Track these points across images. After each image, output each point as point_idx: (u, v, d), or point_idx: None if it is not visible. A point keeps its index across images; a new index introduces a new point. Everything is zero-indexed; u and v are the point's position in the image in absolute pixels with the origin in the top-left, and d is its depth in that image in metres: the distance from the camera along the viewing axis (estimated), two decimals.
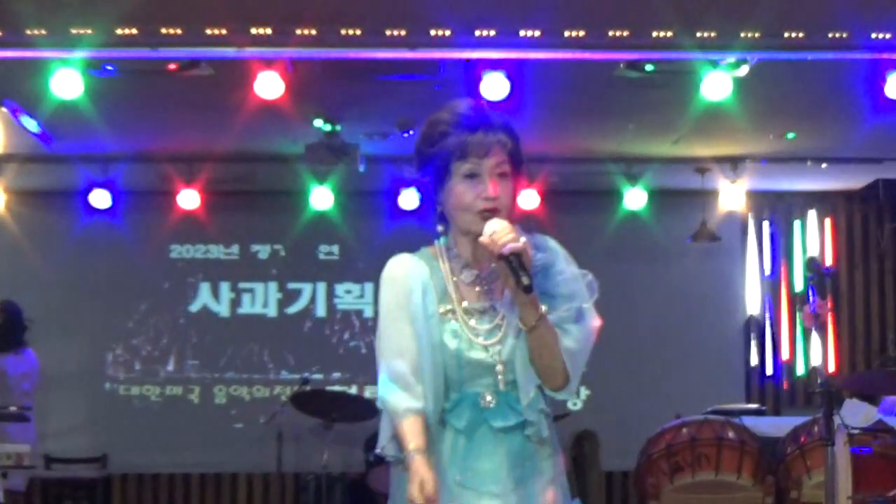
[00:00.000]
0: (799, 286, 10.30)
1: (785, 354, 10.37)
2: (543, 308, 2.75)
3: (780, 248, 10.46)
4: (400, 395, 2.76)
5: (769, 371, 10.34)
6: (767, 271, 10.38)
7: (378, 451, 2.86)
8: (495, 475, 2.76)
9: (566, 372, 2.78)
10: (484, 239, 2.71)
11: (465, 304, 2.82)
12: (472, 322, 2.81)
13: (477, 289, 2.84)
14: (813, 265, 5.88)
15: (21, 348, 8.49)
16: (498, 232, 2.68)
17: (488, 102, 6.47)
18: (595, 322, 2.83)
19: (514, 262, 2.66)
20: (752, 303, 10.37)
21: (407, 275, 2.83)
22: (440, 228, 2.86)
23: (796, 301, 10.31)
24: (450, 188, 2.80)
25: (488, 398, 2.79)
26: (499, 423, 2.78)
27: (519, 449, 2.78)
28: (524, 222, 2.87)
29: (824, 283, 10.12)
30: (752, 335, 10.37)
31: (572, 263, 2.86)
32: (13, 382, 8.32)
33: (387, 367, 2.79)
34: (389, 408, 2.77)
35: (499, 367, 2.79)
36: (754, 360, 10.35)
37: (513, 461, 2.77)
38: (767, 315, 10.35)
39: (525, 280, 2.65)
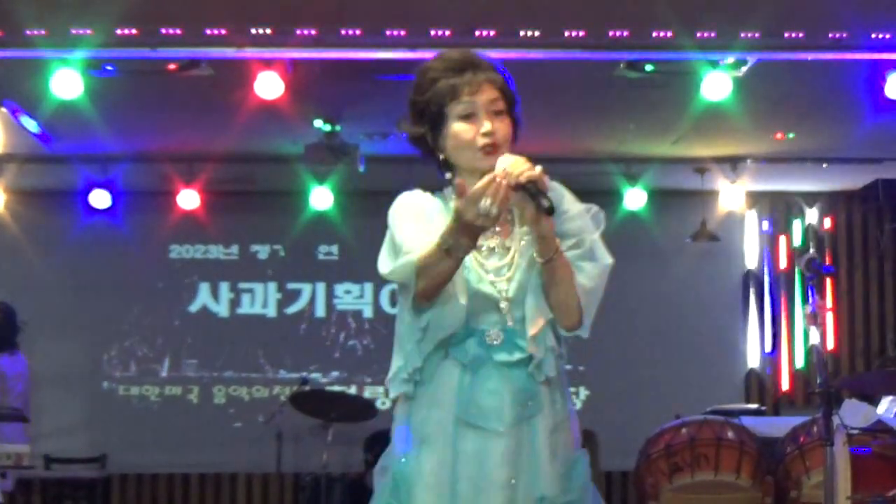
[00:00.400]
0: (798, 286, 10.30)
1: (784, 353, 10.37)
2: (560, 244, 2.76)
3: (780, 248, 10.45)
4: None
5: (769, 371, 10.34)
6: (767, 271, 10.38)
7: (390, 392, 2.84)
8: (499, 412, 2.75)
9: (580, 309, 2.79)
10: (499, 173, 2.69)
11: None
12: (481, 259, 2.82)
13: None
14: (812, 265, 5.85)
15: (15, 350, 8.49)
16: (513, 164, 2.69)
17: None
18: (607, 259, 2.87)
19: (533, 189, 2.66)
20: (752, 303, 10.37)
21: (423, 201, 2.87)
22: (448, 176, 2.87)
23: (795, 300, 10.31)
24: (447, 131, 2.83)
25: (493, 335, 2.78)
26: (502, 356, 2.77)
27: (523, 386, 2.77)
28: None
29: (824, 283, 10.15)
30: (752, 335, 10.36)
31: (576, 202, 2.90)
32: (11, 384, 8.32)
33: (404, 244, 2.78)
34: (400, 265, 2.73)
35: (503, 304, 2.79)
36: (754, 361, 10.35)
37: (516, 398, 2.76)
38: (767, 315, 10.34)
39: (546, 202, 2.65)
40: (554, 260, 2.75)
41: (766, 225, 10.41)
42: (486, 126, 2.78)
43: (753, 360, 10.35)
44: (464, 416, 2.75)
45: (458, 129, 2.81)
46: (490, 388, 2.76)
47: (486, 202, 2.60)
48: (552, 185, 2.82)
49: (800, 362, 10.34)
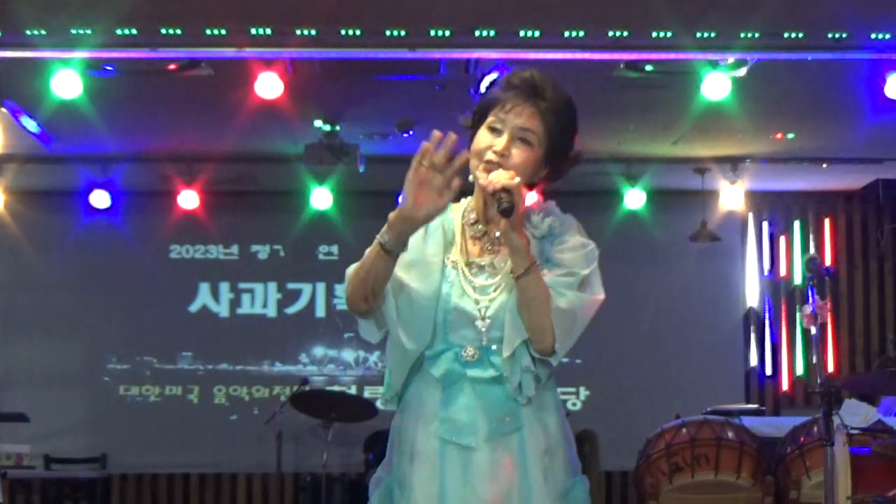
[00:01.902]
0: (798, 286, 10.30)
1: (784, 354, 10.37)
2: (537, 262, 2.74)
3: (780, 249, 10.46)
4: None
5: (769, 371, 10.35)
6: (767, 271, 10.39)
7: (383, 406, 2.89)
8: (473, 427, 2.75)
9: (553, 334, 2.74)
10: (483, 181, 2.71)
11: (468, 257, 2.83)
12: (470, 275, 2.81)
13: (481, 244, 2.85)
14: (812, 265, 5.85)
15: None
16: (497, 173, 2.70)
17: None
18: (596, 295, 2.80)
19: (502, 194, 2.66)
20: (752, 303, 10.37)
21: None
22: (471, 178, 2.83)
23: (796, 301, 10.31)
24: (475, 134, 2.81)
25: (470, 352, 2.78)
26: (475, 373, 2.76)
27: (496, 402, 2.76)
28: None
29: (824, 283, 10.15)
30: (752, 335, 10.37)
31: (580, 235, 2.85)
32: None
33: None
34: (349, 274, 2.78)
35: (479, 322, 2.77)
36: (754, 361, 10.35)
37: (490, 413, 2.75)
38: (767, 315, 10.35)
39: (504, 203, 2.64)
40: (526, 277, 2.71)
41: (766, 225, 10.41)
42: (500, 145, 2.75)
43: (753, 360, 10.35)
44: (441, 433, 2.76)
45: (480, 135, 2.80)
46: (463, 404, 2.76)
47: (406, 188, 2.62)
48: (557, 213, 2.84)
49: (800, 369, 10.35)
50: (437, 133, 2.64)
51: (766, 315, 10.36)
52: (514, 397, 2.77)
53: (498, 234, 2.78)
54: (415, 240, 2.78)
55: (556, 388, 2.90)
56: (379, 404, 2.94)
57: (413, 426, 2.81)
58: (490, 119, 2.78)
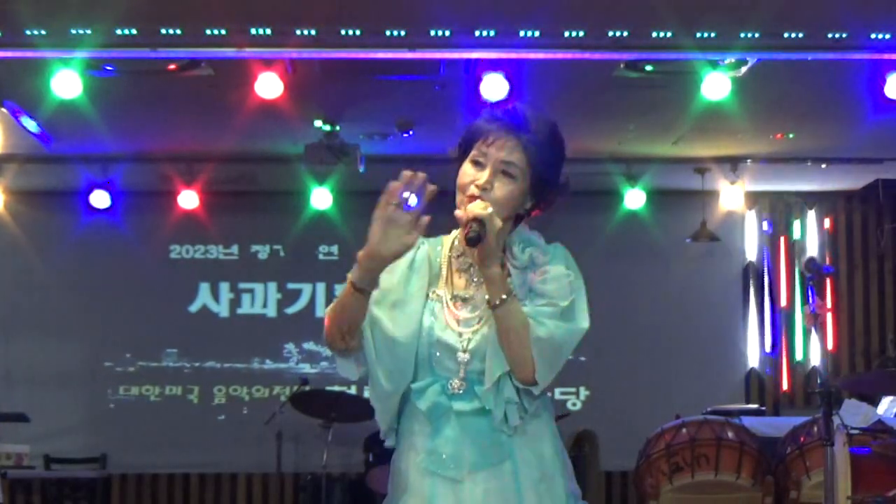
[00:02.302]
0: (798, 286, 10.30)
1: (784, 354, 10.37)
2: (516, 293, 2.74)
3: (780, 248, 10.45)
4: None
5: (768, 371, 10.34)
6: (766, 272, 10.38)
7: (386, 442, 2.89)
8: (457, 460, 2.74)
9: (533, 363, 2.72)
10: (458, 213, 2.73)
11: (454, 290, 2.83)
12: (454, 307, 2.81)
13: (466, 277, 2.84)
14: (812, 265, 5.87)
15: None
16: (473, 205, 2.72)
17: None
18: (582, 324, 2.78)
19: (472, 224, 2.67)
20: (752, 302, 10.37)
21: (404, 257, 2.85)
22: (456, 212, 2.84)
23: (796, 300, 10.32)
24: (459, 168, 2.82)
25: (456, 384, 2.77)
26: (461, 405, 2.76)
27: (482, 433, 2.76)
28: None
29: (824, 283, 10.15)
30: (752, 334, 10.36)
31: (564, 264, 2.83)
32: None
33: None
34: (328, 311, 2.80)
35: (461, 355, 2.77)
36: (754, 361, 10.35)
37: (474, 446, 2.75)
38: (767, 314, 10.35)
39: (472, 233, 2.65)
40: (502, 307, 2.71)
41: (766, 225, 10.41)
42: (483, 178, 2.76)
43: (753, 359, 10.35)
44: (425, 464, 2.76)
45: (463, 168, 2.80)
46: (449, 437, 2.76)
47: (373, 226, 2.62)
48: (539, 242, 2.83)
49: (799, 354, 10.35)
50: (406, 173, 2.64)
51: (766, 314, 10.36)
52: (500, 429, 2.76)
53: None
54: (398, 277, 2.80)
55: (551, 416, 2.89)
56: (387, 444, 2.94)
57: (405, 460, 2.81)
58: (473, 153, 2.79)
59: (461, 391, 2.77)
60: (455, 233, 2.89)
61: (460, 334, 2.78)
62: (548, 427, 2.85)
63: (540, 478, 2.77)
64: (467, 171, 2.78)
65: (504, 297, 2.71)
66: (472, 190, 2.75)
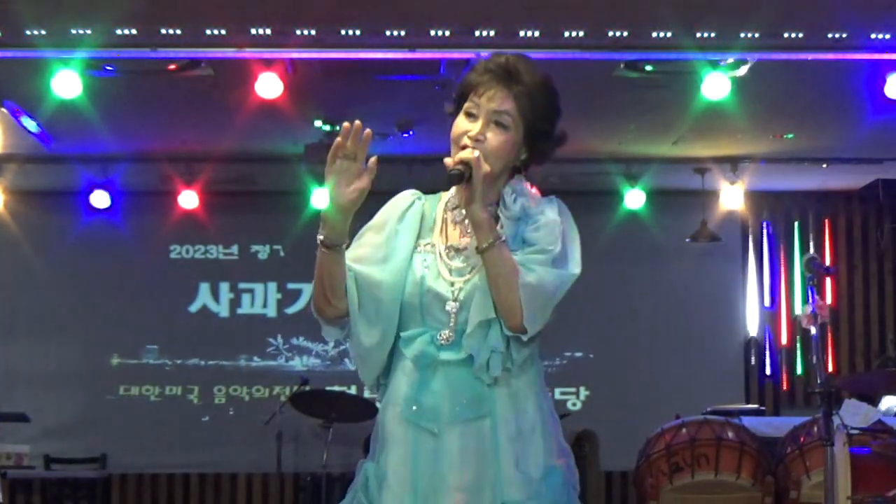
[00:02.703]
0: (798, 286, 10.30)
1: (784, 354, 10.37)
2: (503, 237, 2.75)
3: (780, 249, 10.46)
4: None
5: (768, 371, 10.34)
6: (767, 271, 10.38)
7: (326, 335, 2.91)
8: (435, 411, 2.74)
9: (521, 310, 2.72)
10: (447, 160, 2.75)
11: (448, 241, 2.85)
12: (447, 258, 2.82)
13: (461, 228, 2.85)
14: (812, 265, 5.85)
15: None
16: (463, 153, 2.74)
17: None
18: (570, 270, 2.79)
19: (458, 167, 2.70)
20: (752, 303, 10.37)
21: (396, 203, 2.91)
22: (446, 160, 2.86)
23: (795, 301, 10.32)
24: (454, 121, 2.84)
25: (446, 334, 2.77)
26: (448, 355, 2.76)
27: (464, 386, 2.76)
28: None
29: (824, 283, 10.15)
30: (752, 335, 10.36)
31: (554, 214, 2.84)
32: None
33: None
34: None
35: (450, 304, 2.77)
36: (753, 361, 10.35)
37: (455, 398, 2.75)
38: (767, 315, 10.35)
39: (454, 171, 2.70)
40: (490, 251, 2.72)
41: (766, 225, 10.42)
42: (476, 129, 2.78)
43: (753, 359, 10.35)
44: (405, 415, 2.76)
45: (457, 121, 2.83)
46: (431, 388, 2.76)
47: (327, 182, 2.69)
48: (529, 192, 2.85)
49: (799, 369, 10.36)
50: (346, 124, 2.70)
51: (766, 314, 10.36)
52: (479, 376, 2.75)
53: None
54: (385, 234, 2.84)
55: (539, 374, 2.86)
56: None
57: (389, 410, 2.81)
58: (467, 105, 2.81)
59: (449, 342, 2.77)
60: (453, 189, 2.90)
61: (452, 283, 2.79)
62: (534, 384, 2.83)
63: (517, 433, 2.76)
64: (460, 124, 2.81)
65: (491, 240, 2.72)
66: (465, 141, 2.78)
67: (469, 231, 2.81)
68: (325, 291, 2.78)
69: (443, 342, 2.77)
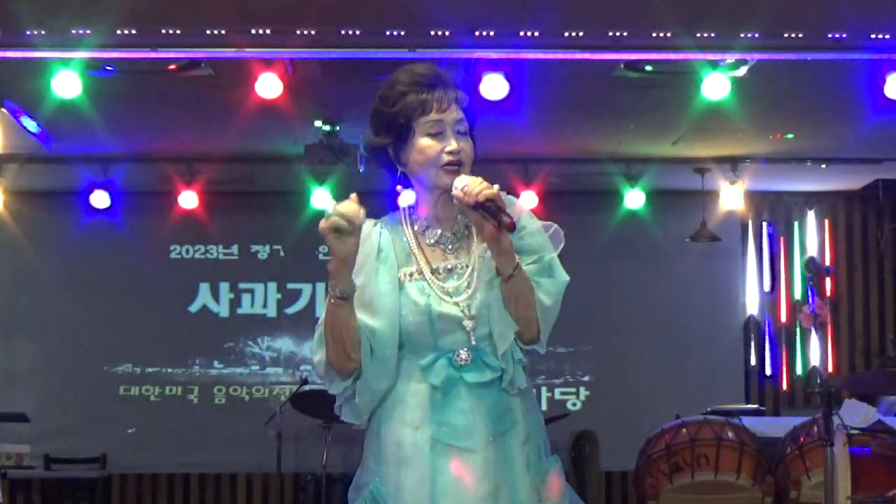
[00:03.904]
0: (798, 286, 10.31)
1: (784, 354, 10.37)
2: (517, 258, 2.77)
3: (780, 249, 10.46)
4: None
5: (768, 371, 10.34)
6: (766, 271, 10.38)
7: (340, 416, 2.93)
8: (470, 430, 2.76)
9: (538, 323, 2.79)
10: (456, 192, 2.72)
11: (431, 264, 2.84)
12: (439, 281, 2.82)
13: (441, 249, 2.86)
14: (812, 265, 5.86)
15: None
16: (470, 184, 2.71)
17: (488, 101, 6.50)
18: (564, 277, 2.84)
19: (492, 206, 2.68)
20: (752, 303, 10.38)
21: (367, 237, 2.84)
22: (398, 188, 2.90)
23: (795, 301, 10.32)
24: (413, 145, 2.82)
25: (463, 355, 2.79)
26: (474, 378, 2.78)
27: (495, 402, 2.79)
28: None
29: (823, 284, 10.15)
30: (752, 335, 10.37)
31: (534, 219, 2.89)
32: None
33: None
34: (317, 344, 2.81)
35: (467, 322, 2.79)
36: (754, 360, 10.35)
37: (489, 416, 2.78)
38: (767, 315, 10.35)
39: (507, 219, 2.66)
40: (514, 276, 2.74)
41: (765, 225, 10.42)
42: (452, 144, 2.78)
43: (753, 359, 10.35)
44: (437, 436, 2.77)
45: (425, 144, 2.81)
46: (462, 408, 2.77)
47: (326, 241, 2.69)
48: (509, 200, 2.82)
49: (800, 369, 10.36)
50: (345, 211, 2.71)
51: (766, 315, 10.36)
52: (509, 391, 2.80)
53: (451, 232, 2.85)
54: (366, 274, 2.81)
55: (527, 373, 2.91)
56: (346, 418, 2.98)
57: (398, 431, 2.81)
58: (424, 127, 2.80)
59: (469, 362, 2.79)
60: (399, 212, 2.93)
61: (457, 304, 2.80)
62: (529, 387, 2.89)
63: (526, 437, 2.82)
64: (429, 145, 2.80)
65: (516, 264, 2.75)
66: (448, 157, 2.78)
67: (450, 248, 2.85)
68: (346, 347, 2.77)
69: (461, 363, 2.79)
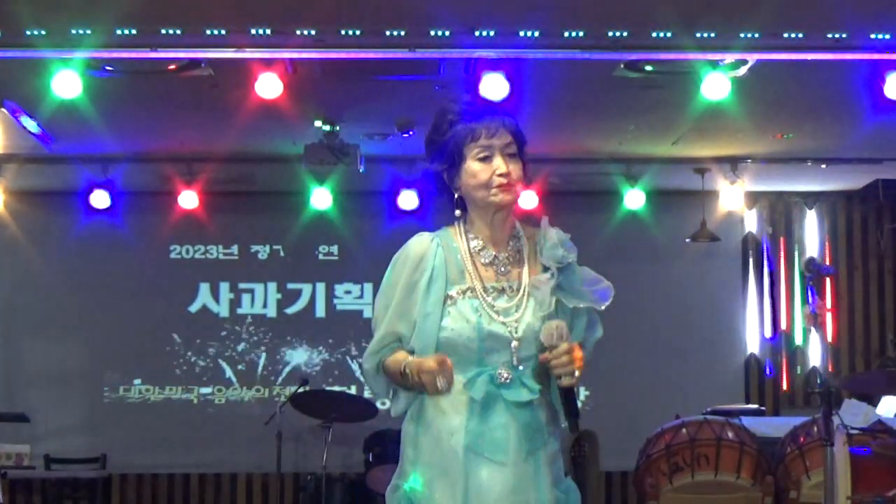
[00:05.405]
0: (798, 286, 10.30)
1: (784, 354, 10.37)
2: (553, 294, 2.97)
3: (780, 249, 10.46)
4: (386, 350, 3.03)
5: (768, 372, 10.34)
6: (766, 271, 10.38)
7: (393, 413, 3.07)
8: (505, 445, 2.91)
9: None
10: (545, 354, 2.89)
11: (484, 283, 2.99)
12: (490, 300, 2.97)
13: (493, 269, 3.02)
14: (812, 265, 5.87)
15: None
16: (558, 351, 2.87)
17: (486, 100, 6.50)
18: (600, 332, 3.07)
19: (570, 398, 2.91)
20: (752, 303, 10.37)
21: (424, 256, 3.01)
22: (458, 213, 3.07)
23: (795, 301, 10.32)
24: (465, 170, 3.01)
25: (504, 374, 2.94)
26: (512, 396, 2.93)
27: (530, 422, 2.94)
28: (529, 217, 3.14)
29: (823, 283, 10.15)
30: (752, 336, 10.36)
31: (586, 268, 3.11)
32: None
33: (381, 334, 3.03)
34: (372, 363, 3.03)
35: (514, 343, 2.94)
36: (753, 361, 10.35)
37: (524, 433, 2.93)
38: (766, 315, 10.34)
39: (575, 419, 2.92)
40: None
41: (766, 226, 10.42)
42: (502, 167, 2.99)
43: (753, 361, 10.35)
44: (473, 447, 2.90)
45: (476, 168, 3.00)
46: (499, 423, 2.92)
47: (440, 383, 2.86)
48: (572, 244, 3.04)
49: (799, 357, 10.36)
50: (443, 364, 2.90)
51: (766, 315, 10.36)
52: (543, 412, 2.99)
53: (504, 254, 3.04)
54: (418, 295, 2.99)
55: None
56: (386, 410, 3.17)
57: (435, 440, 2.94)
58: (475, 149, 3.00)
59: (509, 381, 2.94)
60: (455, 227, 3.08)
61: (505, 324, 2.95)
62: (559, 410, 3.04)
63: (552, 458, 2.99)
64: (479, 169, 3.00)
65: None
66: (499, 180, 2.98)
67: (502, 270, 3.01)
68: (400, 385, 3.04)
69: (502, 381, 2.94)
